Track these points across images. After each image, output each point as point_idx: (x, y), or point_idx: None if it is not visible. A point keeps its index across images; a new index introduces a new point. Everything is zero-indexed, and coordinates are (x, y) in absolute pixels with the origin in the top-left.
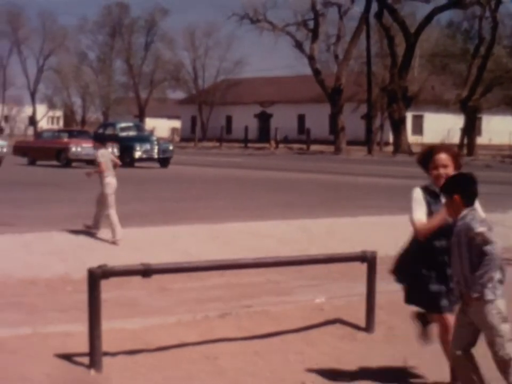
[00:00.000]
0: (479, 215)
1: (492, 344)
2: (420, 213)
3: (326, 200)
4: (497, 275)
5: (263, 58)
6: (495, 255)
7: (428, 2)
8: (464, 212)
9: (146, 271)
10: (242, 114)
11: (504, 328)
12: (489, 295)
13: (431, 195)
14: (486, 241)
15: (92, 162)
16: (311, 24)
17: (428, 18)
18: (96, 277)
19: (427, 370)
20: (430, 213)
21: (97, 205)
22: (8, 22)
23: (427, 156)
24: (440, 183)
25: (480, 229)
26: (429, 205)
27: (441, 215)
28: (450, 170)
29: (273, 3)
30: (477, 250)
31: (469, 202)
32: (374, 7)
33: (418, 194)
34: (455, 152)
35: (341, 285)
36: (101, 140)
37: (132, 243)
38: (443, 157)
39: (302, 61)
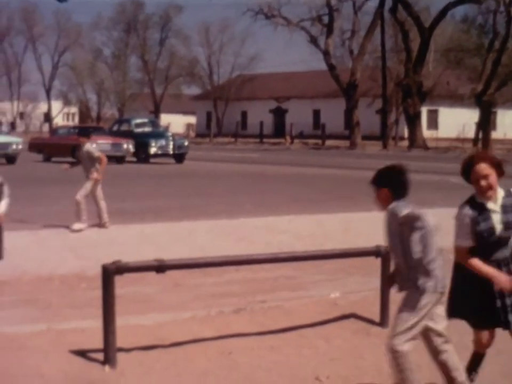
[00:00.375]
0: (404, 203)
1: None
2: (466, 241)
3: (341, 195)
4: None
5: (278, 54)
6: (429, 228)
7: None
8: (392, 204)
9: (160, 267)
10: (258, 109)
11: (414, 323)
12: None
13: (480, 210)
14: (415, 218)
15: (108, 158)
16: (325, 19)
17: (442, 13)
18: (110, 273)
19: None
20: (476, 233)
21: (94, 201)
22: (23, 20)
23: (467, 168)
24: (486, 196)
25: (405, 211)
26: (475, 224)
27: (494, 275)
28: (493, 179)
29: None
30: (407, 240)
31: (399, 196)
32: (389, 1)
33: (464, 216)
34: (495, 159)
35: (355, 280)
36: (86, 134)
37: (147, 239)
38: (483, 167)
39: (317, 56)
